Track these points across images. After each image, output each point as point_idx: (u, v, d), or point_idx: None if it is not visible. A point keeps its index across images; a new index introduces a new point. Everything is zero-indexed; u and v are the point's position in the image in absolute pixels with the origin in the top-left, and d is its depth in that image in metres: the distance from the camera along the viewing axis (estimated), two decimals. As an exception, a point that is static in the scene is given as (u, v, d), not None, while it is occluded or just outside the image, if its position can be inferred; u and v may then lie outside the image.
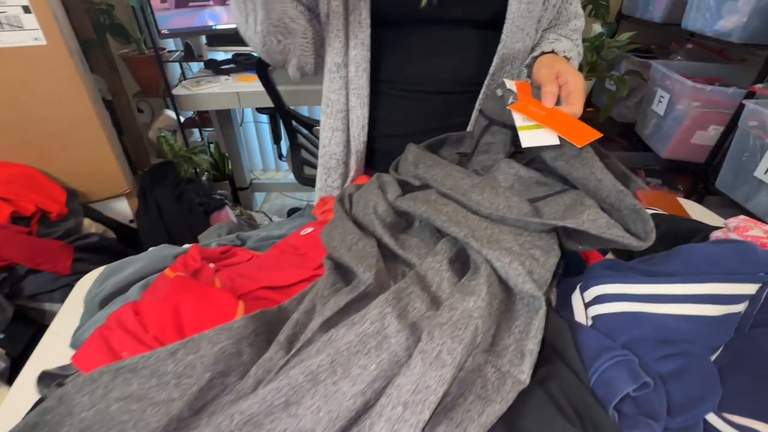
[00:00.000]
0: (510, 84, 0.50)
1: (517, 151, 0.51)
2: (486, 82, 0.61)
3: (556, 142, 0.44)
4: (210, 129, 1.99)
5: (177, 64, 1.87)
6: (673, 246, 0.58)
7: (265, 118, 2.03)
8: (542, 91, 0.48)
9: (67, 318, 0.45)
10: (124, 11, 1.68)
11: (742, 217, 0.52)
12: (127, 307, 0.32)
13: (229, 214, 1.37)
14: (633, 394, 0.30)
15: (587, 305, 0.38)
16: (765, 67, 1.20)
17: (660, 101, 1.51)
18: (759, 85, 1.16)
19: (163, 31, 1.47)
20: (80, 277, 0.54)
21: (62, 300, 0.50)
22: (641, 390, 0.30)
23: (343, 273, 0.36)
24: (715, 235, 0.52)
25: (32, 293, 0.86)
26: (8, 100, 0.97)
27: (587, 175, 0.38)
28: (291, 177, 1.63)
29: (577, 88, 0.49)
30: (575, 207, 0.36)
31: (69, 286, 0.55)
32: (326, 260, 0.38)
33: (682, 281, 0.36)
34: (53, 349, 0.42)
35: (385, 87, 0.65)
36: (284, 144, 1.69)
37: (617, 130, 1.99)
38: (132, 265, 0.45)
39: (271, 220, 1.92)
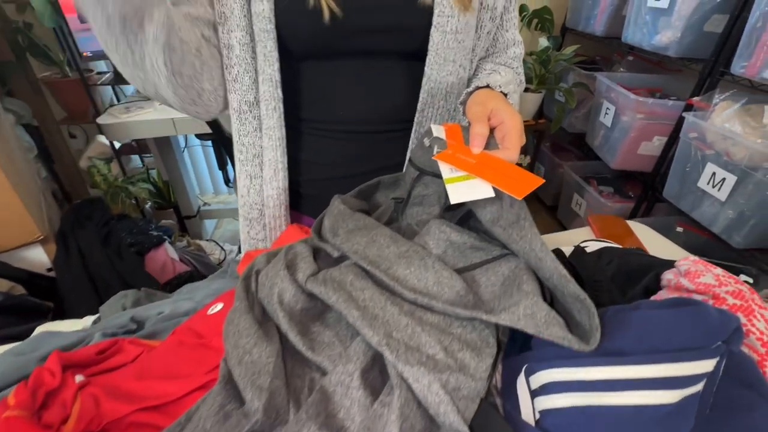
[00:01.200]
0: (438, 130, 0.45)
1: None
2: (416, 119, 0.56)
3: (491, 193, 0.38)
4: (150, 155, 1.85)
5: (110, 87, 1.73)
6: (626, 284, 0.55)
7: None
8: (470, 133, 0.42)
9: None
10: (45, 31, 1.53)
11: (692, 258, 0.49)
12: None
13: (169, 251, 1.26)
14: None
15: (533, 394, 0.33)
16: (700, 80, 1.23)
17: (606, 113, 1.53)
18: (696, 98, 1.20)
19: (85, 54, 1.34)
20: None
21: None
22: None
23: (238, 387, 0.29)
24: (667, 278, 0.49)
25: None
26: None
27: (526, 251, 0.33)
28: (240, 203, 1.53)
29: (513, 129, 0.43)
30: (513, 289, 0.31)
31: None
32: (223, 364, 0.31)
33: (635, 362, 0.32)
34: None
35: (306, 127, 0.58)
36: (231, 170, 1.59)
37: (568, 140, 2.03)
38: (-18, 376, 0.36)
39: (222, 248, 1.80)
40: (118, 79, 1.58)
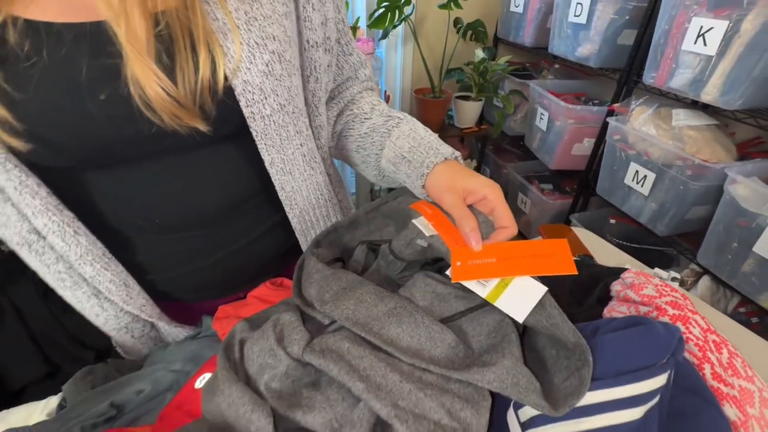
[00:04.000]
0: (421, 223, 0.42)
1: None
2: (277, 189, 0.48)
3: (544, 289, 0.36)
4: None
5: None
6: (581, 296, 0.61)
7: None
8: (462, 233, 0.39)
9: None
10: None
11: (634, 271, 0.56)
12: None
13: (118, 295, 1.17)
14: None
15: (523, 426, 0.37)
16: (619, 88, 1.38)
17: (541, 118, 1.66)
18: (617, 105, 1.34)
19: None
20: None
21: None
22: None
23: None
24: (615, 289, 0.56)
25: None
26: None
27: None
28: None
29: (498, 202, 0.40)
30: (499, 348, 0.34)
31: None
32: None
33: (605, 386, 0.37)
34: None
35: (134, 232, 0.47)
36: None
37: (508, 141, 2.16)
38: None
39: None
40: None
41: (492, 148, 2.24)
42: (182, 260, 0.51)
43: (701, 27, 1.02)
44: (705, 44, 1.01)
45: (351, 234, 0.53)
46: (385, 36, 1.71)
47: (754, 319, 1.19)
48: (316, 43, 0.47)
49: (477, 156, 2.03)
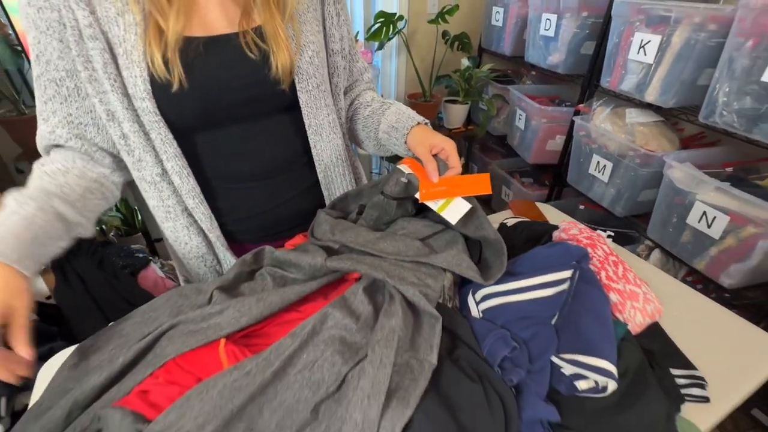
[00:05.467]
0: (405, 168, 0.63)
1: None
2: (312, 150, 0.68)
3: (469, 205, 0.59)
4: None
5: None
6: (533, 244, 0.82)
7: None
8: (427, 171, 0.61)
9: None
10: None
11: (567, 221, 0.76)
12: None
13: (156, 271, 1.36)
14: (508, 355, 0.49)
15: (477, 303, 0.57)
16: (582, 91, 1.60)
17: (520, 118, 1.88)
18: (581, 105, 1.56)
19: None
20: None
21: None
22: (513, 352, 0.49)
23: None
24: (556, 235, 0.76)
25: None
26: None
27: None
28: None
29: (451, 151, 0.62)
30: (451, 247, 0.55)
31: None
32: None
33: (530, 276, 0.57)
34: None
35: (217, 182, 0.67)
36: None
37: (493, 141, 2.38)
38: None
39: (194, 266, 1.88)
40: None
41: (478, 147, 2.45)
42: (248, 206, 0.71)
43: (642, 40, 1.24)
44: (645, 54, 1.24)
45: (355, 203, 0.73)
46: (381, 47, 1.93)
47: (699, 286, 1.40)
48: (337, 51, 0.70)
49: (465, 154, 2.24)
